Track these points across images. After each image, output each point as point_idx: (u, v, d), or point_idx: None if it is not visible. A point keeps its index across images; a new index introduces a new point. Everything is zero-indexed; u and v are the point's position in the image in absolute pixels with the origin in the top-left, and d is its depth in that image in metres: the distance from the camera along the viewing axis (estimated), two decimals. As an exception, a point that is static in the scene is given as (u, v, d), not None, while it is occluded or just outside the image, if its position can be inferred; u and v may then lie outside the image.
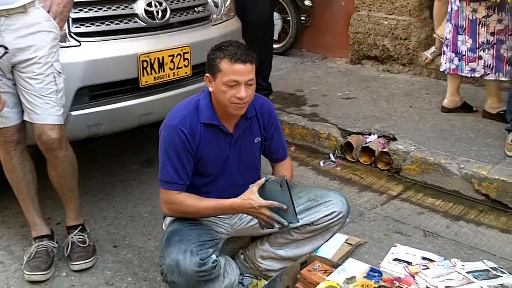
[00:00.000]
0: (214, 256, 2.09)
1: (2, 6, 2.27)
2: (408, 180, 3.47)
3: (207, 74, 2.13)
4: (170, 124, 2.15)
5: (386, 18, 5.02)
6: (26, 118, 2.48)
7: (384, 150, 3.58)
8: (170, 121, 2.16)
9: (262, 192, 2.09)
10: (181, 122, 2.13)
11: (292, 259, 2.32)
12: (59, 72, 2.47)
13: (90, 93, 2.84)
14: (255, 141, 2.29)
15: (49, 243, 2.65)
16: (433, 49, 4.77)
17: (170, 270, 2.04)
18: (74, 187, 2.70)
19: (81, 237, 2.69)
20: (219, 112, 2.16)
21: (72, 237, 2.68)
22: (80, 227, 2.73)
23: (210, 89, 2.14)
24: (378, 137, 3.70)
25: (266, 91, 4.45)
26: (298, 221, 2.15)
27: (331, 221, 2.28)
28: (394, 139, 3.64)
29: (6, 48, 2.23)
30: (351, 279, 2.09)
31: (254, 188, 2.09)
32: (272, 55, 4.52)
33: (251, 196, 2.08)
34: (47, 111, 2.44)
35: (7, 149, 2.53)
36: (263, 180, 2.10)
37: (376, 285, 2.05)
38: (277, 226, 2.12)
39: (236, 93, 2.05)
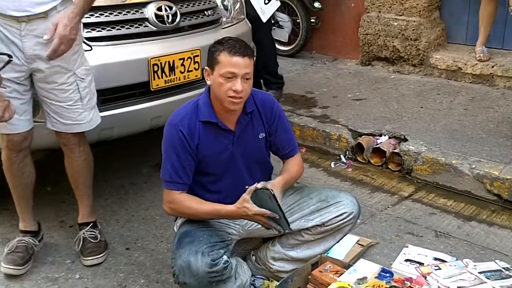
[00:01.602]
0: (225, 257, 2.10)
1: (23, 12, 2.26)
2: (419, 181, 3.46)
3: (206, 68, 2.15)
4: (170, 124, 2.17)
5: (396, 19, 5.01)
6: (50, 127, 2.50)
7: (395, 151, 3.58)
8: (170, 121, 2.18)
9: (256, 198, 2.06)
10: (180, 122, 2.15)
11: (303, 260, 2.32)
12: (82, 79, 2.47)
13: (101, 97, 2.86)
14: (260, 137, 2.28)
15: (31, 240, 2.69)
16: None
17: (182, 271, 2.05)
18: (89, 184, 2.74)
19: (92, 233, 2.74)
20: (218, 110, 2.16)
21: (84, 233, 2.73)
22: (92, 223, 2.78)
23: (208, 82, 2.15)
24: (389, 138, 3.69)
25: (277, 84, 4.50)
26: (291, 230, 2.15)
27: (342, 222, 2.28)
28: (405, 140, 3.63)
29: (10, 56, 2.22)
30: (362, 280, 2.09)
31: (246, 196, 2.06)
32: (274, 50, 4.59)
33: (244, 204, 2.06)
34: (75, 120, 2.48)
35: (8, 155, 2.54)
36: (253, 187, 2.05)
37: (388, 286, 2.04)
38: (274, 231, 2.13)
39: (233, 85, 2.05)
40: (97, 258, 2.68)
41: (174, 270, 2.09)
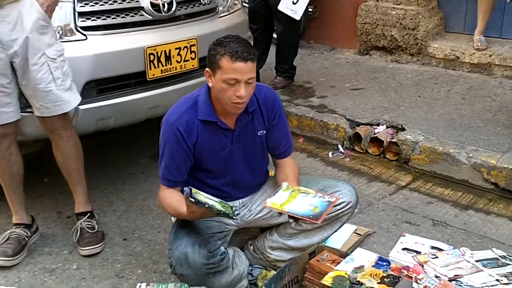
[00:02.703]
0: (222, 248, 2.10)
1: None
2: (417, 170, 3.46)
3: (207, 69, 2.09)
4: (168, 121, 2.13)
5: (394, 8, 4.99)
6: (38, 114, 2.51)
7: (392, 140, 3.57)
8: (168, 117, 2.15)
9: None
10: (178, 119, 2.11)
11: (301, 249, 2.32)
12: (53, 59, 2.46)
13: (97, 87, 2.85)
14: (259, 134, 2.25)
15: (23, 231, 2.69)
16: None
17: (179, 263, 2.05)
18: (80, 170, 2.73)
19: (89, 223, 2.74)
20: (218, 109, 2.13)
21: (81, 223, 2.73)
22: (89, 214, 2.78)
23: (210, 84, 2.10)
24: (387, 127, 3.69)
25: (287, 74, 4.50)
26: (233, 217, 2.02)
27: (340, 211, 2.27)
28: (403, 129, 3.62)
29: None
30: (359, 269, 2.09)
31: (187, 202, 1.94)
32: (297, 45, 4.59)
33: (191, 209, 1.97)
34: (54, 101, 2.47)
35: None
36: (187, 191, 1.93)
37: (385, 274, 2.04)
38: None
39: (236, 91, 2.00)
40: (94, 248, 2.68)
41: (171, 262, 2.09)
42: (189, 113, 2.13)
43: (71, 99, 2.55)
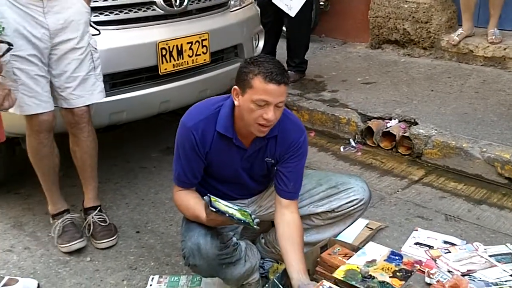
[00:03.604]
0: (234, 239, 2.11)
1: None
2: (429, 165, 3.44)
3: (235, 87, 1.99)
4: (185, 125, 2.09)
5: (407, 1, 4.95)
6: (65, 106, 2.55)
7: (405, 134, 3.56)
8: (186, 120, 2.10)
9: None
10: (195, 125, 2.07)
11: (312, 244, 2.32)
12: (95, 49, 2.58)
13: (110, 81, 2.87)
14: (266, 160, 2.18)
15: (73, 216, 2.75)
16: (460, 31, 4.68)
17: (192, 254, 2.05)
18: (95, 165, 2.77)
19: (101, 216, 2.77)
20: (238, 126, 2.07)
21: (92, 217, 2.75)
22: (99, 207, 2.81)
23: (236, 103, 2.00)
24: (399, 121, 3.67)
25: (298, 68, 4.49)
26: (254, 228, 2.01)
27: (352, 208, 2.26)
28: (415, 123, 3.61)
29: (10, 44, 2.22)
30: (371, 263, 2.09)
31: (207, 210, 1.94)
32: (309, 34, 4.59)
33: (210, 217, 1.97)
34: (89, 90, 2.55)
35: (38, 139, 2.55)
36: (207, 200, 1.94)
37: (397, 268, 2.04)
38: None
39: (264, 113, 1.92)
40: (110, 240, 2.72)
41: (184, 253, 2.09)
42: (208, 122, 2.08)
43: (103, 90, 2.64)
